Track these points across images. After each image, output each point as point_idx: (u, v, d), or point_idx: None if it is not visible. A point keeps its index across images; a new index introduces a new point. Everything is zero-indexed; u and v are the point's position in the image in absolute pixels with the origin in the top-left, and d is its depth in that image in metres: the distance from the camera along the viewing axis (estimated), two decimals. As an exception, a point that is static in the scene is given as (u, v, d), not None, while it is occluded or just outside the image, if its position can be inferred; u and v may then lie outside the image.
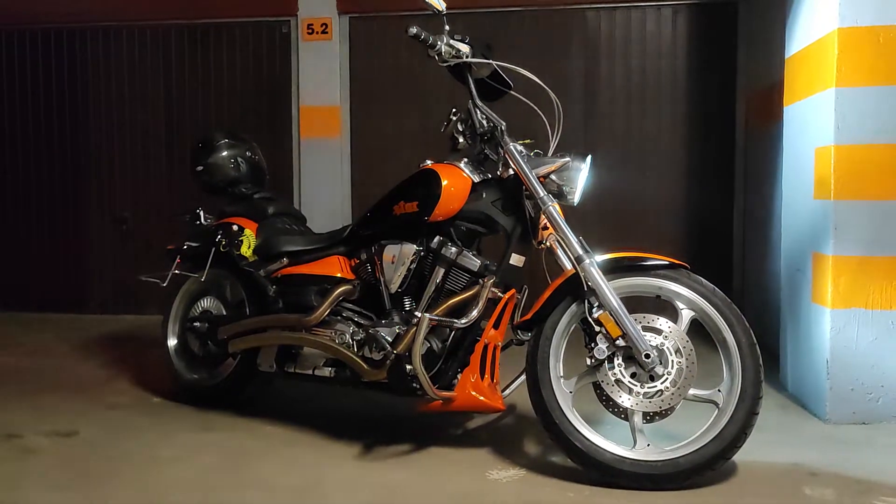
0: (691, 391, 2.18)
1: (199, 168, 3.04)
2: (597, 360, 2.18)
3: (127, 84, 5.07)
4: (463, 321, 2.33)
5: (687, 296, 2.23)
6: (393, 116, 4.83)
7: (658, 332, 2.20)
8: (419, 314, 2.39)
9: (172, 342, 3.06)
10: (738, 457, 2.15)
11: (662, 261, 2.26)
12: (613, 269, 2.27)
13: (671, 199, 4.65)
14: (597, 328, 2.19)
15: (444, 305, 2.39)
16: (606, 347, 2.18)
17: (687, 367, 2.16)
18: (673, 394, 2.14)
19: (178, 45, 5.02)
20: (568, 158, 2.42)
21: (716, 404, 2.16)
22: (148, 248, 4.88)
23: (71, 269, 5.16)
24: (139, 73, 5.06)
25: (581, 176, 2.41)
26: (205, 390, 2.94)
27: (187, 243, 2.98)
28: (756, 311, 4.04)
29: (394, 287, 2.51)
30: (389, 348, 2.38)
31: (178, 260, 2.99)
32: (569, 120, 2.52)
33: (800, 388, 2.97)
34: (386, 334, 2.43)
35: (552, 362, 2.25)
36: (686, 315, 2.24)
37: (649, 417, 2.22)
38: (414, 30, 2.36)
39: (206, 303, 3.01)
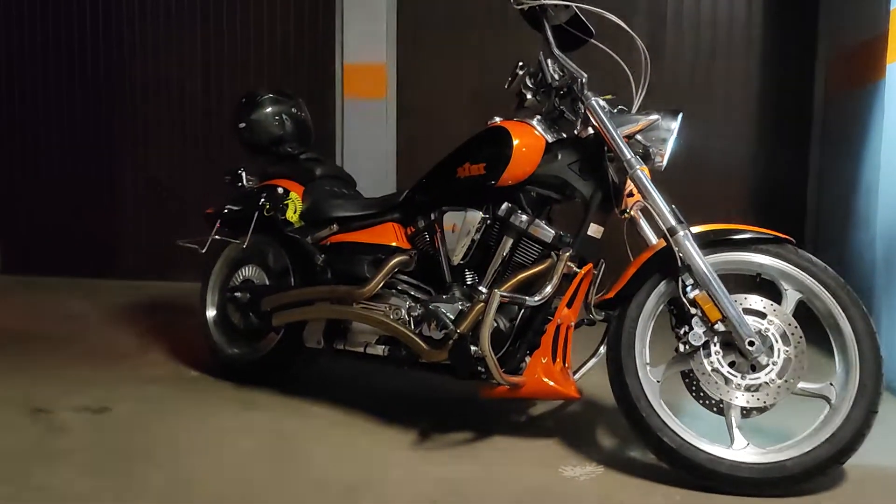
0: (800, 384, 1.91)
1: (242, 125, 2.80)
2: (692, 346, 1.91)
3: (162, 42, 4.84)
4: (536, 298, 2.07)
5: (793, 274, 1.94)
6: (444, 75, 4.54)
7: (760, 315, 1.93)
8: (485, 289, 2.15)
9: (211, 313, 2.85)
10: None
11: (765, 234, 1.97)
12: (708, 243, 1.99)
13: (738, 165, 4.33)
14: (692, 310, 1.92)
15: (513, 280, 2.13)
16: (703, 333, 1.91)
17: (796, 356, 1.88)
18: (780, 387, 1.87)
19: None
20: (657, 116, 2.14)
21: (828, 400, 1.89)
22: (183, 212, 4.68)
23: (102, 232, 4.99)
24: (175, 30, 4.82)
25: (671, 137, 2.13)
26: (246, 366, 2.72)
27: (228, 207, 2.75)
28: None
29: (456, 259, 2.25)
30: (452, 327, 2.12)
31: (217, 224, 2.76)
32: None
33: (899, 379, 2.68)
34: (448, 311, 2.17)
35: (638, 347, 1.98)
36: (792, 296, 1.96)
37: (746, 412, 1.96)
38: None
39: (247, 271, 2.77)
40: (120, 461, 2.02)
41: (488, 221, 2.23)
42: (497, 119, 2.26)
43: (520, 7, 2.15)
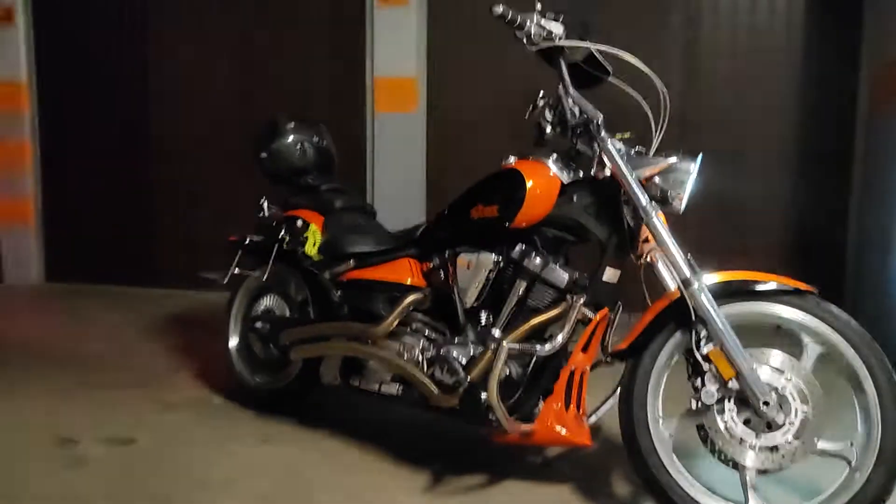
0: (820, 444, 1.84)
1: (263, 155, 2.81)
2: (704, 404, 1.86)
3: (195, 53, 4.90)
4: (547, 348, 2.04)
5: (814, 327, 1.88)
6: (475, 88, 4.50)
7: (778, 371, 1.87)
8: (499, 333, 2.13)
9: (234, 342, 2.88)
10: None
11: (786, 285, 1.90)
12: (725, 294, 1.93)
13: (772, 192, 4.21)
14: (705, 366, 1.87)
15: (526, 325, 2.10)
16: (717, 390, 1.86)
17: (814, 416, 1.82)
18: (797, 449, 1.81)
19: (247, 11, 4.80)
20: (675, 159, 2.08)
21: (848, 462, 1.82)
22: (219, 223, 4.73)
23: (143, 242, 5.09)
24: (208, 40, 4.87)
25: (690, 180, 2.07)
26: (268, 395, 2.75)
27: (250, 237, 2.77)
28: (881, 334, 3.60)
29: (469, 301, 2.23)
30: (462, 373, 2.11)
31: (238, 255, 2.79)
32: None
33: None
34: (459, 355, 2.16)
35: (650, 401, 1.94)
36: (813, 350, 1.89)
37: (762, 471, 1.90)
38: (500, 9, 2.03)
39: (268, 301, 2.80)
40: (140, 499, 2.05)
41: (501, 264, 2.20)
42: (512, 159, 2.23)
43: (534, 48, 2.10)
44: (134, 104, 5.03)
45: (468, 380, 2.08)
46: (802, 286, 1.90)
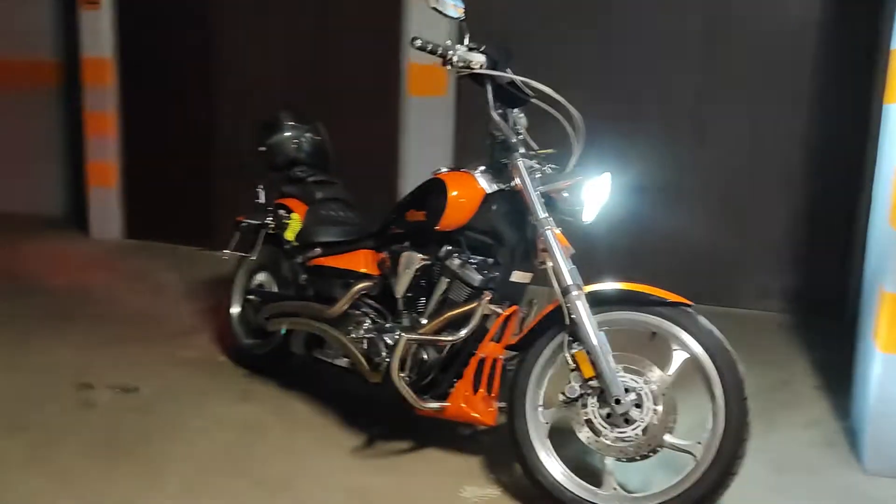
0: (670, 439, 2.08)
1: (262, 148, 3.19)
2: (568, 398, 2.13)
3: (253, 30, 5.31)
4: (449, 338, 2.35)
5: (680, 337, 2.10)
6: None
7: (638, 374, 2.11)
8: (425, 321, 2.45)
9: (235, 310, 3.30)
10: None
11: (660, 297, 2.13)
12: (606, 302, 2.18)
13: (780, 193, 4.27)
14: (572, 365, 2.13)
15: (443, 318, 2.42)
16: (579, 387, 2.12)
17: (664, 415, 2.05)
18: (641, 443, 2.06)
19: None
20: (580, 177, 2.32)
21: (694, 457, 2.05)
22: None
23: (206, 205, 5.60)
24: (267, 22, 5.28)
25: (589, 196, 2.30)
26: (256, 357, 3.18)
27: (246, 220, 3.17)
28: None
29: (398, 292, 2.55)
30: (384, 355, 2.45)
31: (237, 234, 3.19)
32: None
33: (857, 424, 2.71)
34: (387, 338, 2.50)
35: (531, 391, 2.22)
36: (678, 357, 2.12)
37: (626, 459, 2.15)
38: (418, 42, 2.30)
39: (262, 276, 3.21)
40: (118, 447, 2.49)
41: (429, 261, 2.51)
42: (443, 169, 2.52)
43: (458, 75, 2.36)
44: (201, 76, 5.51)
45: (387, 361, 2.42)
46: (674, 298, 2.12)
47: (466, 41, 2.37)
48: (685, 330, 2.10)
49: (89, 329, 3.69)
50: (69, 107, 6.33)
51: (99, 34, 5.66)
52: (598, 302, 2.18)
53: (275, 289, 3.15)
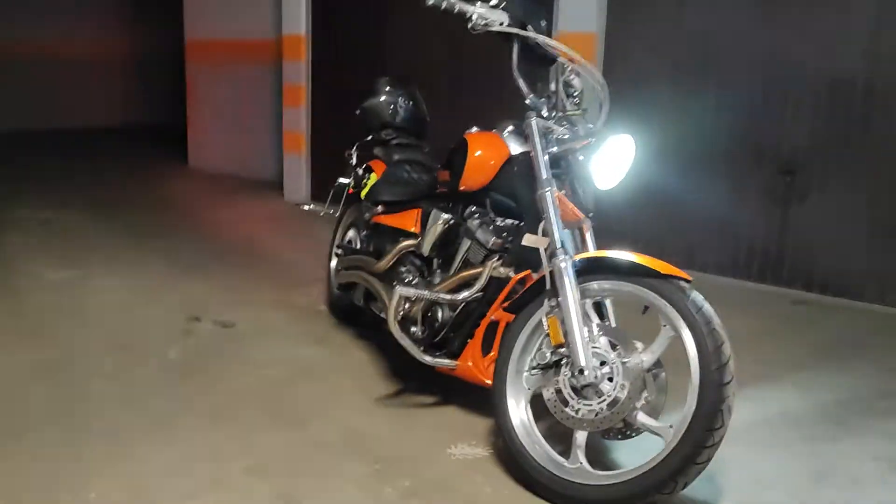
0: (644, 419, 1.95)
1: (358, 111, 3.37)
2: (539, 364, 2.06)
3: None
4: (448, 297, 2.37)
5: (666, 312, 1.95)
6: (653, 45, 4.48)
7: (613, 347, 1.99)
8: (438, 280, 2.49)
9: (333, 263, 3.54)
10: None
11: (652, 268, 1.98)
12: (599, 270, 2.08)
13: None
14: (546, 331, 2.06)
15: (456, 278, 2.44)
16: (550, 353, 2.04)
17: (634, 392, 1.92)
18: (607, 417, 1.94)
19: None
20: (592, 138, 2.21)
21: (664, 440, 1.90)
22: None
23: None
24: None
25: (602, 158, 2.19)
26: (342, 307, 3.39)
27: (339, 180, 3.38)
28: None
29: (425, 250, 2.60)
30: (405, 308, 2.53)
31: (331, 193, 3.42)
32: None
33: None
34: (412, 295, 2.56)
35: (515, 355, 2.18)
36: (665, 334, 1.97)
37: (611, 434, 2.05)
38: (430, 1, 2.31)
39: (351, 234, 3.41)
40: (192, 374, 2.81)
41: (452, 221, 2.52)
42: (474, 129, 2.51)
43: (475, 32, 2.34)
44: (375, 52, 5.85)
45: (401, 315, 2.49)
46: (668, 270, 1.97)
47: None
48: (672, 305, 1.94)
49: (232, 272, 4.16)
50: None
51: (295, 13, 6.23)
52: (593, 270, 2.08)
53: (358, 245, 3.33)
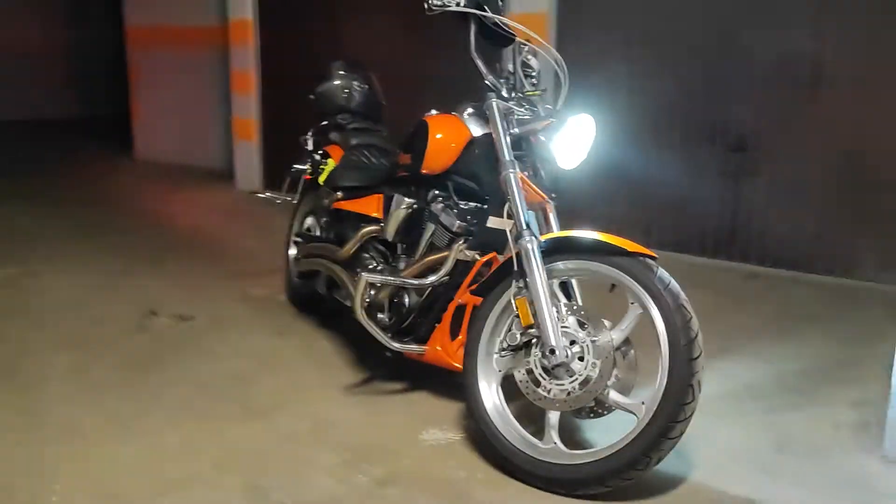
0: (615, 397, 1.97)
1: (311, 97, 3.31)
2: (509, 346, 2.06)
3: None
4: (414, 282, 2.35)
5: (633, 290, 1.96)
6: (606, 26, 4.50)
7: (581, 326, 2.00)
8: (403, 265, 2.47)
9: (292, 251, 3.49)
10: (701, 474, 2.03)
11: (619, 247, 1.99)
12: (565, 249, 2.08)
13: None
14: (515, 312, 2.06)
15: (421, 262, 2.42)
16: (520, 334, 2.04)
17: (605, 370, 1.93)
18: (579, 396, 1.95)
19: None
20: (553, 119, 2.21)
21: (637, 417, 1.92)
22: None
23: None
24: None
25: (564, 139, 2.19)
26: (302, 297, 3.35)
27: (294, 166, 3.32)
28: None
29: (388, 235, 2.58)
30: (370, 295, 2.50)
31: (287, 179, 3.36)
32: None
33: None
34: (378, 281, 2.54)
35: (485, 337, 2.17)
36: (633, 312, 1.98)
37: (584, 413, 2.06)
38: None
39: (309, 221, 3.36)
40: (149, 368, 2.74)
41: (415, 205, 2.50)
42: (433, 111, 2.49)
43: (432, 13, 2.31)
44: (331, 39, 5.76)
45: (367, 302, 2.47)
46: (635, 248, 1.98)
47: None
48: (639, 282, 1.95)
49: (188, 265, 4.08)
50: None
51: (243, -3, 6.10)
52: (559, 250, 2.08)
53: (318, 232, 3.28)
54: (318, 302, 3.26)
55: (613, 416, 2.04)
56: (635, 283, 1.95)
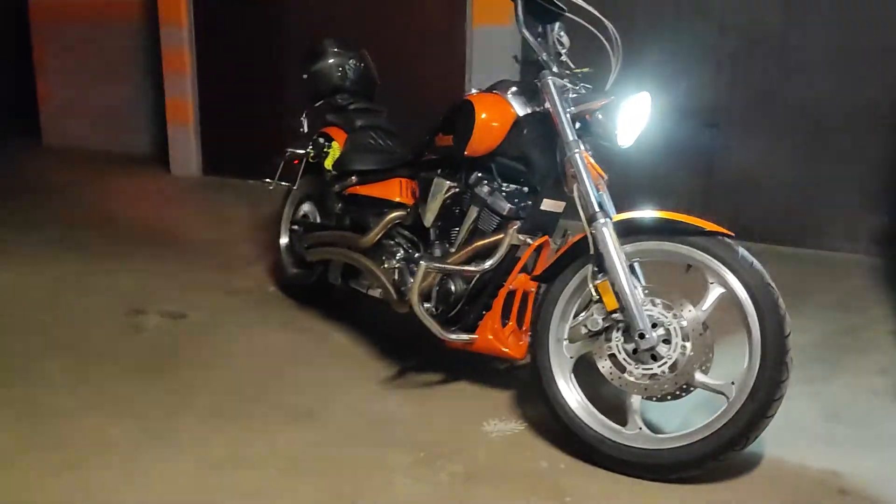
0: (702, 378, 1.94)
1: (305, 76, 3.13)
2: (591, 331, 2.00)
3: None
4: (474, 268, 2.25)
5: (715, 269, 1.94)
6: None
7: (668, 308, 1.95)
8: (454, 251, 2.36)
9: (284, 240, 3.30)
10: (771, 450, 2.03)
11: (697, 226, 1.96)
12: (638, 231, 2.02)
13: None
14: (595, 297, 2.00)
15: (470, 248, 2.32)
16: (602, 319, 1.99)
17: (693, 353, 1.90)
18: (668, 381, 1.92)
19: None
20: (613, 96, 2.14)
21: (727, 398, 1.90)
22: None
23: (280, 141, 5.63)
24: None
25: (624, 117, 2.13)
26: (301, 288, 3.17)
27: (289, 150, 3.14)
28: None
29: (427, 221, 2.46)
30: (409, 285, 2.38)
31: (281, 164, 3.17)
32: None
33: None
34: (415, 268, 2.41)
35: (554, 324, 2.10)
36: (714, 292, 1.95)
37: (652, 397, 2.02)
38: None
39: (306, 207, 3.19)
40: (152, 371, 2.52)
41: (456, 189, 2.40)
42: (473, 90, 2.38)
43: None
44: (273, 15, 5.49)
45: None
46: (712, 227, 1.95)
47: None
48: (722, 262, 1.93)
49: (152, 258, 3.79)
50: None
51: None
52: (629, 231, 2.03)
53: (318, 219, 3.11)
54: (315, 292, 3.10)
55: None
56: (718, 263, 1.93)
